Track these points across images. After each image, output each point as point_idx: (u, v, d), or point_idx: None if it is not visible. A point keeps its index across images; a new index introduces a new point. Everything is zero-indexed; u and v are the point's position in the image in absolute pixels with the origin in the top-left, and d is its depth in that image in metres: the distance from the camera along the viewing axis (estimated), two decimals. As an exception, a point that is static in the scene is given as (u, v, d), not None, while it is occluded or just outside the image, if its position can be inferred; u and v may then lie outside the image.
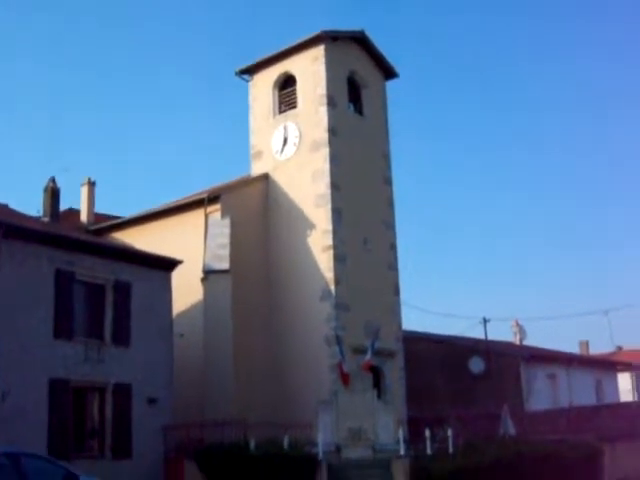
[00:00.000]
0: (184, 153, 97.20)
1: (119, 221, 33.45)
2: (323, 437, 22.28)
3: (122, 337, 24.40)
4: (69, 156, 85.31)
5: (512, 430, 25.23)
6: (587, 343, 58.83)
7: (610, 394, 44.57)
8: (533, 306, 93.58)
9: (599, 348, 59.76)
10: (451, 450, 22.57)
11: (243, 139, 33.62)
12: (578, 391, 40.49)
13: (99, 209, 35.71)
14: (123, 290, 24.68)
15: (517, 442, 24.32)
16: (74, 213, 35.39)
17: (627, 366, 49.95)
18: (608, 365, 48.50)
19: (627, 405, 36.31)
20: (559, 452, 24.18)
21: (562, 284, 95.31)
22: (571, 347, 61.14)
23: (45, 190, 31.68)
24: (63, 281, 23.09)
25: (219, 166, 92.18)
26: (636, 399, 46.12)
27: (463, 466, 21.13)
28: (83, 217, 34.60)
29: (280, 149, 31.91)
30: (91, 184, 34.89)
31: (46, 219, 31.00)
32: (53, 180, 31.82)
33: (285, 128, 32.02)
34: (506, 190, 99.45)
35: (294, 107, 32.26)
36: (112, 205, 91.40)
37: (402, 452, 22.37)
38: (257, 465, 21.85)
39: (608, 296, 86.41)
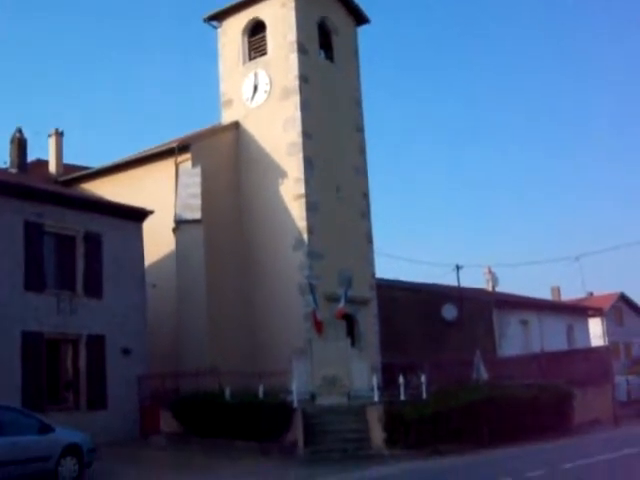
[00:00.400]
0: (154, 103, 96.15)
1: (88, 172, 32.97)
2: (297, 385, 22.33)
3: (94, 288, 24.26)
4: (35, 106, 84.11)
5: (484, 375, 25.44)
6: (559, 289, 59.39)
7: (581, 339, 45.13)
8: (505, 253, 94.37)
9: (571, 294, 60.49)
10: (424, 396, 22.72)
11: (213, 87, 33.19)
12: (550, 336, 40.94)
13: (68, 160, 35.18)
14: (94, 241, 24.47)
15: (489, 387, 24.55)
16: (42, 164, 34.78)
17: (598, 311, 50.51)
18: (579, 311, 49.05)
19: (597, 350, 36.74)
20: (531, 396, 24.47)
21: (534, 231, 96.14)
22: (543, 293, 61.84)
23: (12, 141, 31.20)
24: (32, 233, 22.83)
25: (189, 116, 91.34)
26: (606, 344, 46.63)
27: (436, 411, 21.32)
28: (52, 168, 34.04)
29: (250, 97, 31.50)
30: (59, 134, 34.27)
31: (13, 170, 30.58)
32: (20, 131, 31.34)
33: (255, 75, 31.58)
34: (476, 142, 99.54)
35: (264, 54, 31.78)
36: (81, 156, 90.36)
37: (376, 398, 22.49)
38: (232, 413, 21.96)
39: (579, 242, 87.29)
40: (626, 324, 58.60)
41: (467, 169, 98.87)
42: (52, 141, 34.25)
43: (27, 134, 31.37)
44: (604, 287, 77.83)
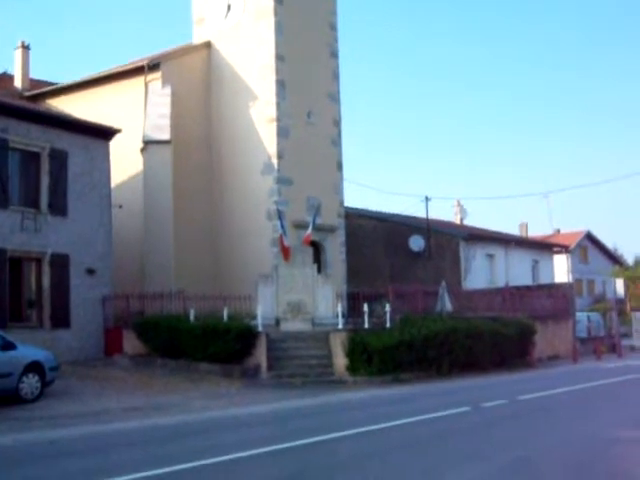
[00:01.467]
0: (125, 20, 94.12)
1: (56, 87, 32.25)
2: (262, 310, 22.36)
3: (59, 207, 23.89)
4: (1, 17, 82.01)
5: (449, 306, 25.60)
6: (526, 225, 59.70)
7: (546, 275, 45.57)
8: (475, 187, 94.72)
9: (538, 231, 60.94)
10: (388, 325, 22.88)
11: (186, 6, 32.38)
12: (515, 271, 41.32)
13: (35, 75, 34.38)
14: (59, 158, 24.00)
15: (453, 318, 24.78)
16: (7, 78, 33.93)
17: (564, 248, 50.94)
18: (545, 247, 49.42)
19: (561, 286, 37.19)
20: (493, 329, 24.77)
21: (504, 167, 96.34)
22: (511, 229, 62.15)
23: (-24, 53, 30.32)
24: (-5, 148, 22.33)
25: (161, 35, 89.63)
26: (570, 280, 47.18)
27: (399, 340, 21.50)
28: (17, 82, 33.21)
29: (224, 16, 30.69)
30: (25, 48, 33.38)
31: (-23, 83, 29.81)
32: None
33: (229, -6, 30.78)
34: (441, 78, 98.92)
35: (239, -27, 30.88)
36: (49, 71, 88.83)
37: (340, 326, 22.62)
38: (196, 336, 21.97)
39: (549, 180, 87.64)
40: (591, 262, 59.26)
41: (440, 102, 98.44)
42: (18, 54, 33.34)
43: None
44: (571, 225, 78.49)
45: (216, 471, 9.10)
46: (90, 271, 24.51)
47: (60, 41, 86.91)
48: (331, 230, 31.16)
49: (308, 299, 23.71)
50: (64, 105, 30.52)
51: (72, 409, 15.82)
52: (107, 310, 24.98)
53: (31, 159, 23.57)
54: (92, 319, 24.44)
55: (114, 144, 25.83)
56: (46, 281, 23.45)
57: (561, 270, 50.49)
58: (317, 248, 29.87)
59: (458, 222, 45.45)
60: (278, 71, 29.22)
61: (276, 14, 29.44)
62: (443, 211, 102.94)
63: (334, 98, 32.24)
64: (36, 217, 23.23)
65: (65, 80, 32.86)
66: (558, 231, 60.86)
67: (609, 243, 64.47)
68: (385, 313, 23.17)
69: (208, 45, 30.85)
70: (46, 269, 23.45)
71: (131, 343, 24.05)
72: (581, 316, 37.44)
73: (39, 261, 23.42)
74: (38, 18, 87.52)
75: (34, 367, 16.81)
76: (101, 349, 24.67)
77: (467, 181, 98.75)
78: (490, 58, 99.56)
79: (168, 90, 28.33)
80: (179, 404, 16.73)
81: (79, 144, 24.63)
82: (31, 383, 16.66)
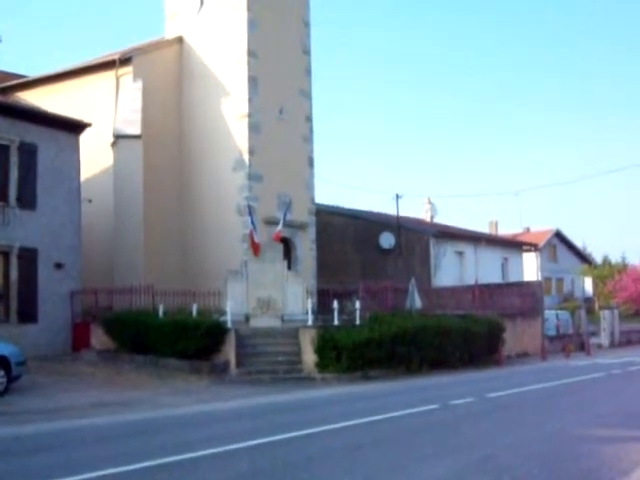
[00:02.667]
0: (97, 13, 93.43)
1: (26, 80, 31.98)
2: (232, 306, 22.28)
3: (28, 200, 23.70)
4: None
5: (419, 304, 25.65)
6: (496, 223, 60.12)
7: (515, 273, 45.85)
8: (446, 185, 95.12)
9: (508, 229, 61.32)
10: (358, 322, 22.90)
11: (158, 1, 32.18)
12: (484, 269, 41.50)
13: (4, 67, 33.98)
14: (29, 152, 23.81)
15: (423, 315, 24.86)
16: (-24, 70, 33.60)
17: (533, 246, 51.30)
18: (515, 245, 49.75)
19: (530, 284, 37.40)
20: (462, 327, 24.88)
21: (475, 165, 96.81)
22: (481, 227, 62.47)
23: (-55, 44, 29.96)
24: (-37, 140, 22.10)
25: (133, 29, 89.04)
26: (539, 279, 47.50)
27: (369, 337, 21.52)
28: (-14, 74, 32.92)
29: (197, 11, 30.54)
30: (-5, 40, 33.04)
31: (-54, 75, 29.46)
32: (-47, 34, 30.10)
33: (202, -11, 30.61)
34: (412, 75, 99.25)
35: (212, -33, 30.72)
36: (19, 64, 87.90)
37: (310, 322, 22.63)
38: (165, 331, 21.86)
39: (520, 179, 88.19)
40: (559, 260, 59.76)
41: (411, 99, 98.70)
42: (-13, 46, 33.04)
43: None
44: (541, 224, 79.07)
45: (183, 468, 9.04)
46: (58, 265, 24.34)
47: (31, 34, 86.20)
48: (302, 227, 31.14)
49: (278, 295, 23.67)
50: (34, 98, 30.24)
51: (38, 405, 15.69)
52: (75, 305, 24.82)
53: (0, 152, 23.32)
54: (60, 314, 24.27)
55: (84, 138, 25.67)
56: (14, 275, 23.25)
57: (530, 268, 50.86)
58: (287, 244, 29.85)
59: (428, 220, 45.59)
60: (250, 67, 29.12)
61: (249, 9, 29.34)
62: (414, 209, 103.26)
63: (306, 95, 32.19)
64: (4, 210, 23.03)
65: (36, 73, 32.58)
66: (528, 229, 61.35)
67: (578, 242, 65.17)
68: (355, 310, 23.20)
69: (180, 40, 30.69)
70: (14, 263, 23.25)
71: (99, 338, 23.91)
72: (550, 314, 37.70)
73: (7, 255, 23.22)
74: (7, 10, 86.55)
75: (0, 362, 16.64)
76: (69, 344, 24.51)
77: (438, 179, 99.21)
78: (459, 56, 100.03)
79: (139, 85, 28.18)
80: (147, 400, 16.65)
81: (49, 137, 24.44)
82: (-4, 378, 16.50)
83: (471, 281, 36.41)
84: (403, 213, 39.84)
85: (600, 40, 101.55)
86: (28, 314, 23.49)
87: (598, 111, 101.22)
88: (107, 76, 28.98)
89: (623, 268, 62.03)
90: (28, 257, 23.53)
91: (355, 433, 11.60)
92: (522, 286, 36.55)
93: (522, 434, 11.35)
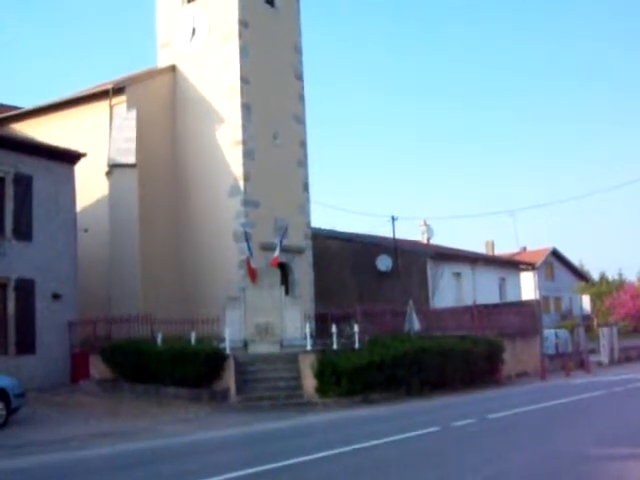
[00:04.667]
0: (89, 44, 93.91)
1: (20, 111, 32.05)
2: (230, 332, 22.26)
3: (24, 231, 23.68)
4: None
5: (417, 326, 25.59)
6: (492, 243, 60.09)
7: (513, 292, 45.85)
8: (442, 207, 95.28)
9: (504, 249, 61.34)
10: (357, 345, 22.85)
11: (151, 30, 32.36)
12: (482, 289, 41.51)
13: (-1, 99, 34.15)
14: (24, 183, 23.81)
15: (422, 337, 24.81)
16: (-29, 103, 33.72)
17: (530, 266, 51.31)
18: (512, 265, 49.76)
19: (528, 303, 37.37)
20: (462, 348, 24.83)
21: (470, 186, 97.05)
22: (477, 247, 62.53)
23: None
24: (-41, 173, 22.11)
25: (126, 59, 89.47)
26: (537, 297, 47.48)
27: (368, 361, 21.47)
28: (-19, 107, 33.03)
29: (189, 40, 30.76)
30: (-11, 72, 33.23)
31: (-59, 108, 29.55)
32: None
33: (194, 18, 30.81)
34: (407, 97, 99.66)
35: (203, -4, 30.93)
36: (13, 96, 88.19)
37: (309, 347, 22.59)
38: (164, 360, 21.80)
39: (514, 198, 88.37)
40: (557, 279, 59.77)
41: (405, 122, 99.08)
42: (-19, 79, 33.14)
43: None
44: (537, 243, 79.14)
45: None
46: (56, 296, 24.28)
47: (25, 65, 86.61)
48: (299, 251, 31.18)
49: (276, 321, 23.65)
50: (28, 129, 30.32)
51: (38, 436, 15.60)
52: (73, 335, 24.73)
53: (-5, 184, 23.36)
54: (58, 344, 24.17)
55: (79, 168, 25.69)
56: (11, 306, 23.18)
57: (528, 287, 50.86)
58: (285, 269, 29.87)
59: (425, 241, 45.61)
60: (243, 94, 29.29)
61: (241, 37, 29.56)
62: (410, 230, 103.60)
63: (300, 120, 32.36)
64: (0, 242, 22.99)
65: (29, 104, 32.70)
66: (524, 249, 61.34)
67: (575, 260, 65.22)
68: (354, 334, 23.15)
69: (173, 68, 30.86)
70: (11, 294, 23.19)
71: (98, 368, 23.81)
72: (549, 333, 37.65)
73: (4, 286, 23.15)
74: (1, 41, 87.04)
75: (-1, 394, 16.58)
76: (67, 375, 24.39)
77: (433, 200, 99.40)
78: (455, 75, 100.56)
79: (133, 114, 28.27)
80: (147, 429, 16.57)
81: (44, 168, 24.45)
82: (-5, 411, 16.42)
83: (469, 302, 36.36)
84: (399, 235, 39.91)
85: (598, 44, 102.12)
86: (26, 345, 23.39)
87: (592, 129, 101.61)
88: (101, 106, 29.05)
89: (620, 285, 62.10)
90: (25, 288, 23.48)
91: (355, 459, 11.54)
92: (520, 305, 36.53)
93: (524, 455, 11.32)
